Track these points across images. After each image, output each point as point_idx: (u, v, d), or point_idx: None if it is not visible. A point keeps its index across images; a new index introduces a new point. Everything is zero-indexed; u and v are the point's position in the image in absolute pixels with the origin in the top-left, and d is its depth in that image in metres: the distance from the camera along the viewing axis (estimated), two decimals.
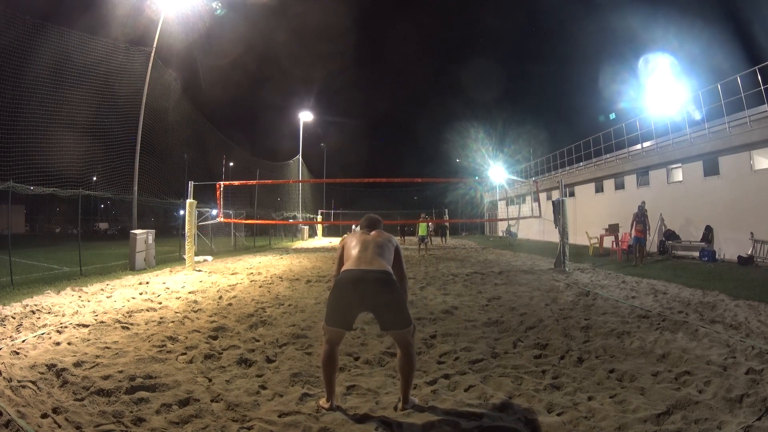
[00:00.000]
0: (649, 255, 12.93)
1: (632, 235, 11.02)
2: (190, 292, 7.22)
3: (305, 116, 33.94)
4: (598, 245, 14.08)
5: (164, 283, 8.35)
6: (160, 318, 5.24)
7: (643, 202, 11.32)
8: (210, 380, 3.22)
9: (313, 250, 20.03)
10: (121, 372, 3.25)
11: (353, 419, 2.59)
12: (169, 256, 14.11)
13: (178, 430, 2.47)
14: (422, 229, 15.41)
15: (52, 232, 35.77)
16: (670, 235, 13.35)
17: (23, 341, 4.04)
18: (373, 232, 2.98)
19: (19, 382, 2.97)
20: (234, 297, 6.84)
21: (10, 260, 7.95)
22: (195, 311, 5.73)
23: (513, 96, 77.51)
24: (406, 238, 25.30)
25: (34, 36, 10.06)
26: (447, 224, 27.97)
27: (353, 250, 2.82)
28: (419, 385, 3.13)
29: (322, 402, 2.76)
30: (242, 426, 2.52)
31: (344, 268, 2.75)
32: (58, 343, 4.03)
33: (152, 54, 13.23)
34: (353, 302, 2.63)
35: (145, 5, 13.17)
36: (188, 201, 11.34)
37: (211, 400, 2.83)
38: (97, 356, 3.68)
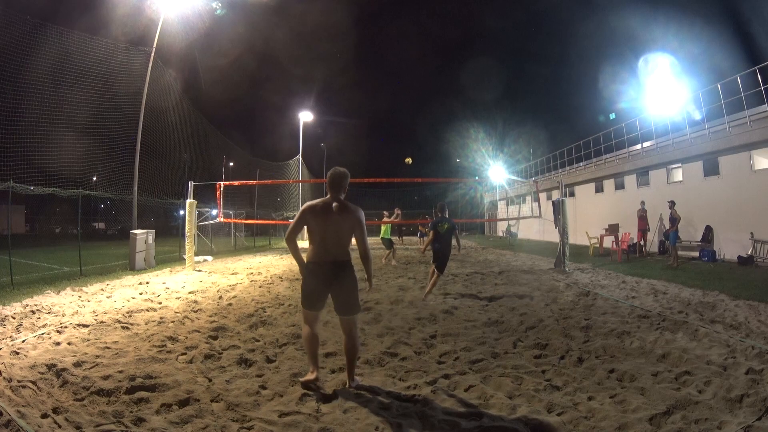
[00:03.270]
0: (650, 255, 12.94)
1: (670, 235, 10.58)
2: (190, 292, 7.22)
3: (305, 116, 33.87)
4: (598, 245, 14.08)
5: (164, 283, 8.35)
6: (160, 318, 5.24)
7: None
8: (210, 380, 3.22)
9: None
10: (121, 372, 3.25)
11: (353, 419, 2.59)
12: (169, 256, 14.11)
13: (178, 430, 2.47)
14: (385, 231, 12.51)
15: (52, 232, 35.74)
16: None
17: (23, 341, 4.04)
18: (334, 205, 2.99)
19: (19, 382, 2.97)
20: (234, 297, 6.84)
21: (10, 260, 7.96)
22: (195, 311, 5.73)
23: (513, 96, 77.43)
24: (404, 238, 25.29)
25: (34, 36, 10.06)
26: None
27: (316, 234, 2.99)
28: (419, 385, 3.13)
29: (309, 375, 3.05)
30: (242, 426, 2.52)
31: (309, 257, 3.02)
32: (58, 343, 4.03)
33: (152, 54, 13.22)
34: (318, 288, 3.01)
35: (145, 5, 13.16)
36: (188, 201, 11.35)
37: (211, 400, 2.83)
38: (97, 356, 3.68)
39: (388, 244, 12.26)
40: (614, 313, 5.32)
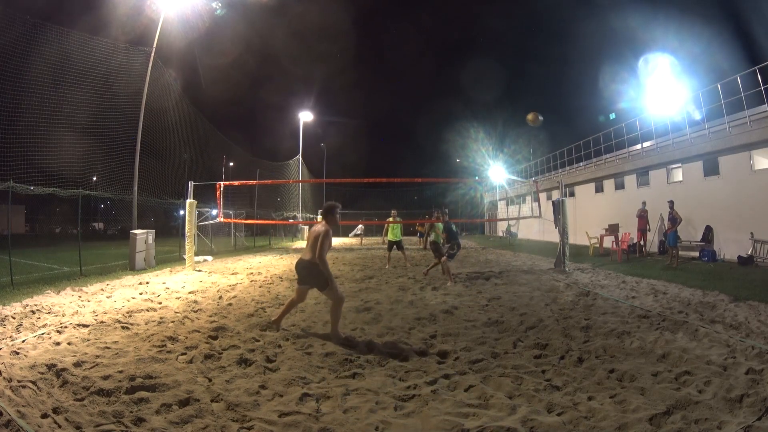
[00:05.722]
0: (650, 255, 12.94)
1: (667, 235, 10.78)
2: (190, 292, 7.22)
3: (305, 116, 33.89)
4: (598, 245, 14.08)
5: (164, 283, 8.35)
6: (160, 318, 5.24)
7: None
8: (210, 380, 3.22)
9: None
10: (121, 372, 3.25)
11: (353, 419, 2.59)
12: (169, 256, 14.10)
13: (178, 430, 2.47)
14: (394, 232, 11.40)
15: (52, 232, 35.74)
16: None
17: (23, 341, 4.04)
18: (316, 226, 4.45)
19: (19, 382, 2.97)
20: (234, 297, 6.84)
21: (10, 260, 7.95)
22: (195, 311, 5.73)
23: (513, 96, 77.23)
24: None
25: (34, 36, 10.05)
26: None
27: (306, 242, 4.61)
28: (419, 385, 3.13)
29: (274, 319, 4.79)
30: (242, 426, 2.52)
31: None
32: (58, 343, 4.03)
33: (152, 54, 13.21)
34: (299, 277, 4.56)
35: (145, 5, 13.16)
36: (188, 201, 11.34)
37: (211, 400, 2.83)
38: (97, 356, 3.68)
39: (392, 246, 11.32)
40: (614, 313, 5.32)
